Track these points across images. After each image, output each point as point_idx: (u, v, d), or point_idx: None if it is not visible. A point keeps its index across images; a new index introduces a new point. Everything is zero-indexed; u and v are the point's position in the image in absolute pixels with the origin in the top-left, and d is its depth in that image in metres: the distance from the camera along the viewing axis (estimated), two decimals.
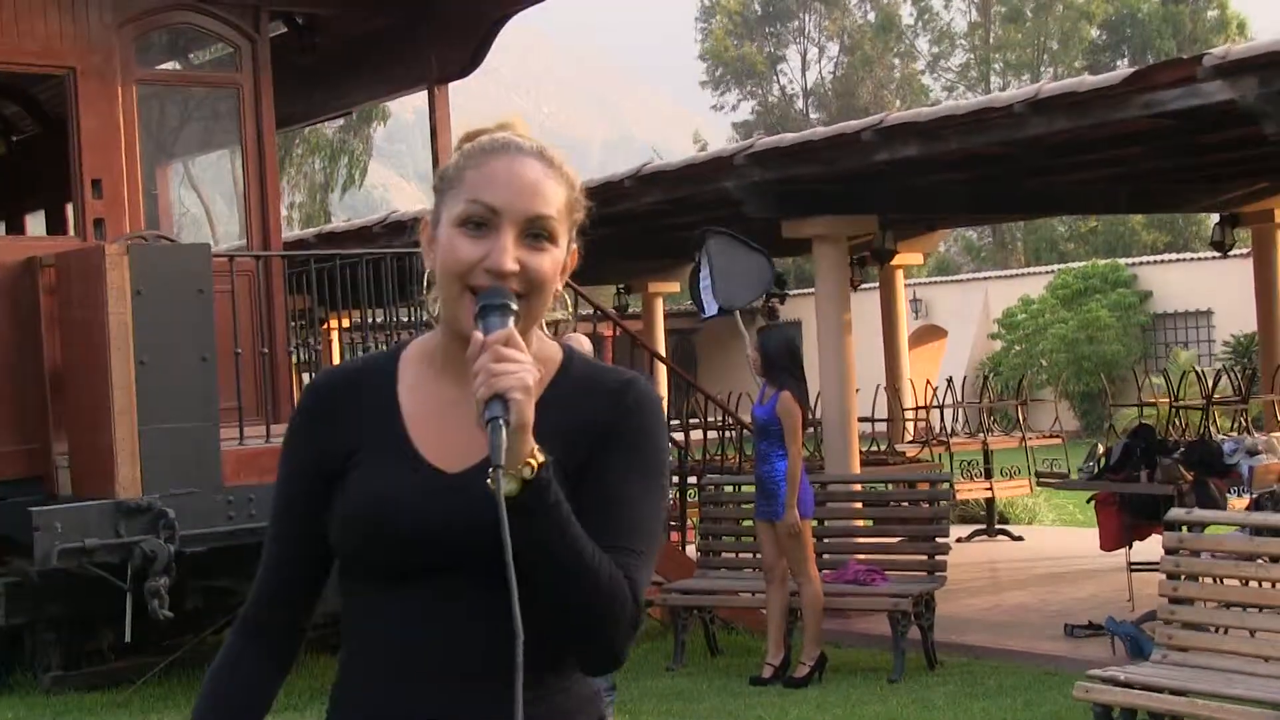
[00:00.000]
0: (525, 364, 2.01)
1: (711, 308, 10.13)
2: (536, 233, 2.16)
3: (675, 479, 12.55)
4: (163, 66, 11.58)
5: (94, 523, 8.96)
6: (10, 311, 9.81)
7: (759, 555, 10.01)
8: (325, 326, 17.22)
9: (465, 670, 2.16)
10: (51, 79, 10.72)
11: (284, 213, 48.67)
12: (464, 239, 2.14)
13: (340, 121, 46.09)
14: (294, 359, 13.58)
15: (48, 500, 9.52)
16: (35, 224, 15.08)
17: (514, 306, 2.09)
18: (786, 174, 11.32)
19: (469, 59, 11.35)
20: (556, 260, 2.19)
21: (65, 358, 9.62)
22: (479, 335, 2.04)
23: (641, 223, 13.88)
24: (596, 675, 2.28)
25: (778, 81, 59.44)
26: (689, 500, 12.79)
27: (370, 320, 11.03)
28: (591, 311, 12.22)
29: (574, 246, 2.27)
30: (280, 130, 12.77)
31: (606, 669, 2.21)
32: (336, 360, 16.88)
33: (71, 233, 11.22)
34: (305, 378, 17.14)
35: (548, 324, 2.29)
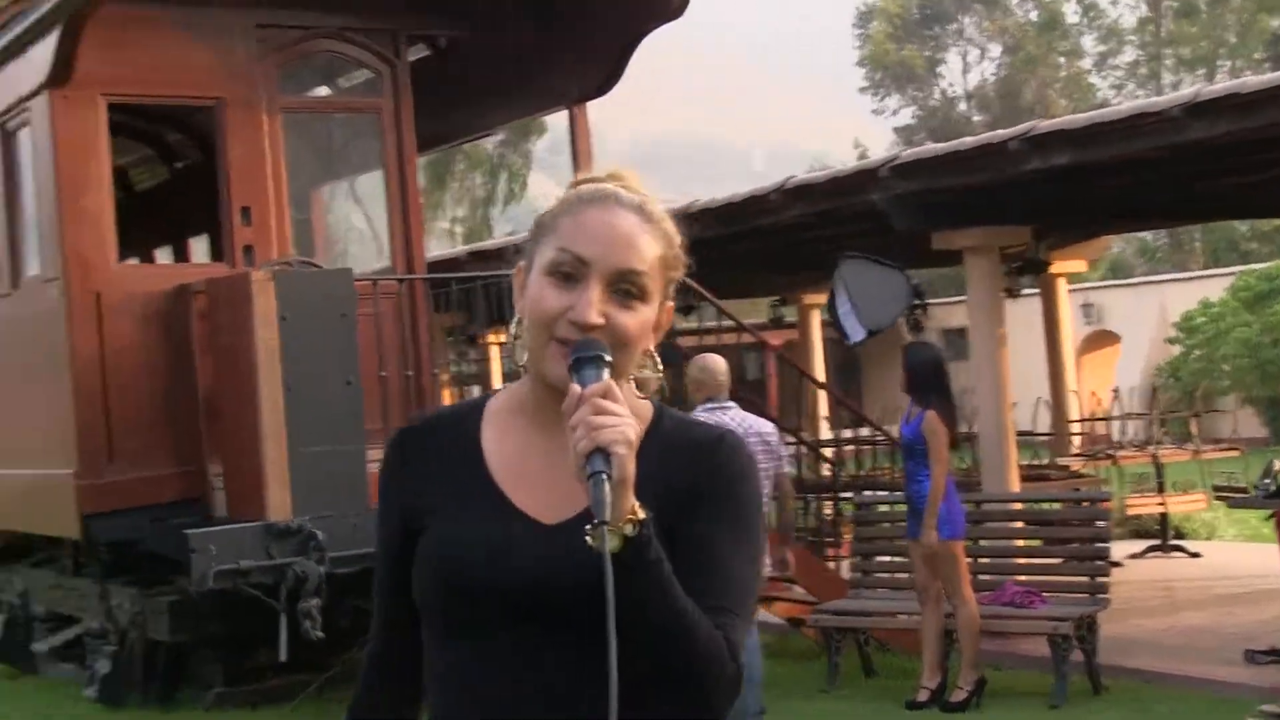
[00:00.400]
0: (626, 417, 1.97)
1: (857, 333, 9.98)
2: (626, 288, 2.10)
3: (830, 493, 12.37)
4: (307, 94, 11.70)
5: (247, 545, 9.08)
6: (165, 337, 9.99)
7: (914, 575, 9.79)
8: (482, 342, 17.39)
9: None
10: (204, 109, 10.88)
11: (446, 227, 49.52)
12: (552, 288, 2.10)
13: (500, 136, 46.70)
14: (449, 374, 13.77)
15: (204, 522, 9.67)
16: (200, 248, 15.40)
17: (608, 359, 2.04)
18: (933, 185, 11.10)
19: (607, 77, 11.33)
20: (645, 318, 2.13)
21: (217, 382, 9.77)
22: (576, 387, 1.99)
23: (787, 236, 13.73)
24: None
25: (938, 85, 58.79)
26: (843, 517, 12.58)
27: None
28: (721, 322, 12.07)
29: (668, 304, 2.20)
30: (426, 151, 12.87)
31: None
32: (498, 376, 17.03)
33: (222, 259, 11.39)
34: (472, 391, 17.28)
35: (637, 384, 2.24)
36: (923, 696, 9.42)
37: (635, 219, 2.13)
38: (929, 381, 9.26)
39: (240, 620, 9.70)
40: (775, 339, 25.95)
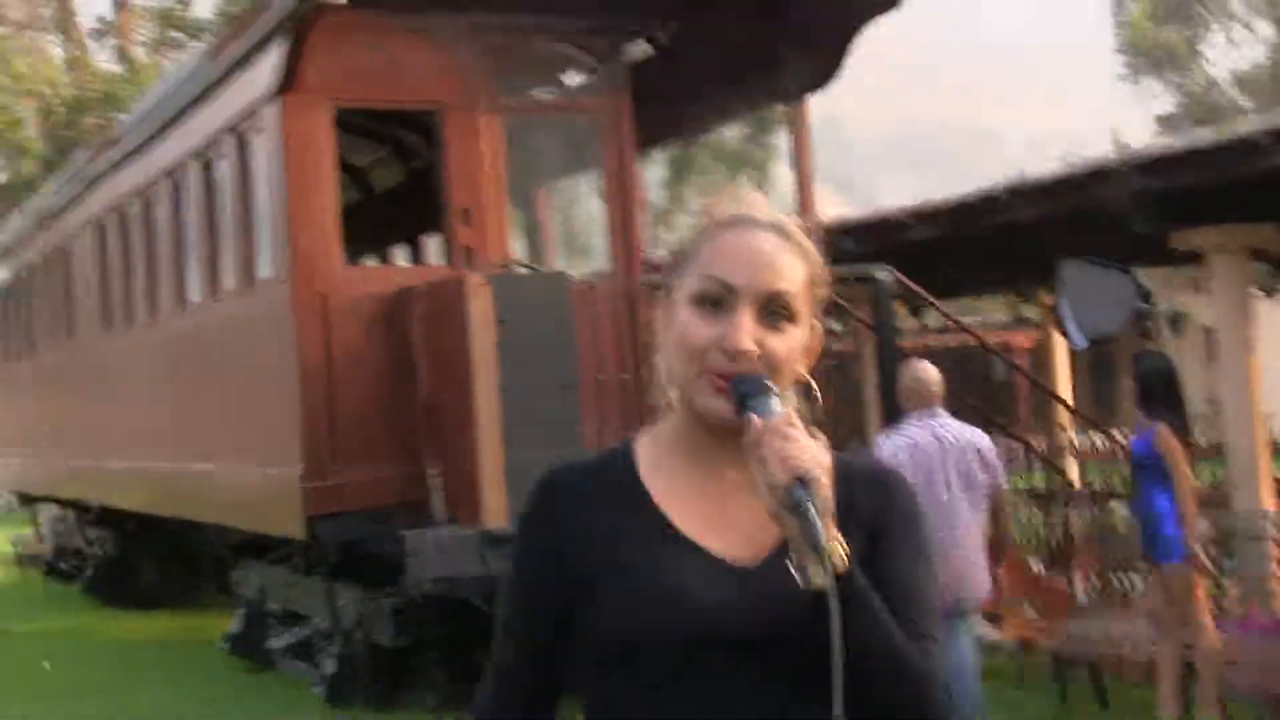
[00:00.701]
0: (814, 444, 1.94)
1: (1080, 341, 9.59)
2: (775, 310, 2.05)
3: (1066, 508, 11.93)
4: (526, 96, 11.74)
5: (462, 550, 9.13)
6: (388, 340, 10.11)
7: None
8: None
9: None
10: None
11: (689, 221, 49.68)
12: (698, 318, 2.05)
13: (743, 130, 46.64)
14: None
15: (425, 524, 9.77)
16: (434, 247, 15.67)
17: (775, 388, 2.00)
18: (1173, 183, 10.61)
19: (826, 71, 11.11)
20: (797, 341, 2.08)
21: (436, 385, 9.85)
22: (757, 419, 1.95)
23: (1022, 235, 13.32)
24: None
25: (1203, 68, 56.63)
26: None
27: None
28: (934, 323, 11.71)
29: (816, 326, 2.13)
30: (650, 150, 12.81)
31: None
32: None
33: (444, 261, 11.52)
34: None
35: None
36: None
37: (776, 239, 2.09)
38: (1160, 394, 8.82)
39: (463, 624, 9.76)
40: (1023, 339, 25.33)
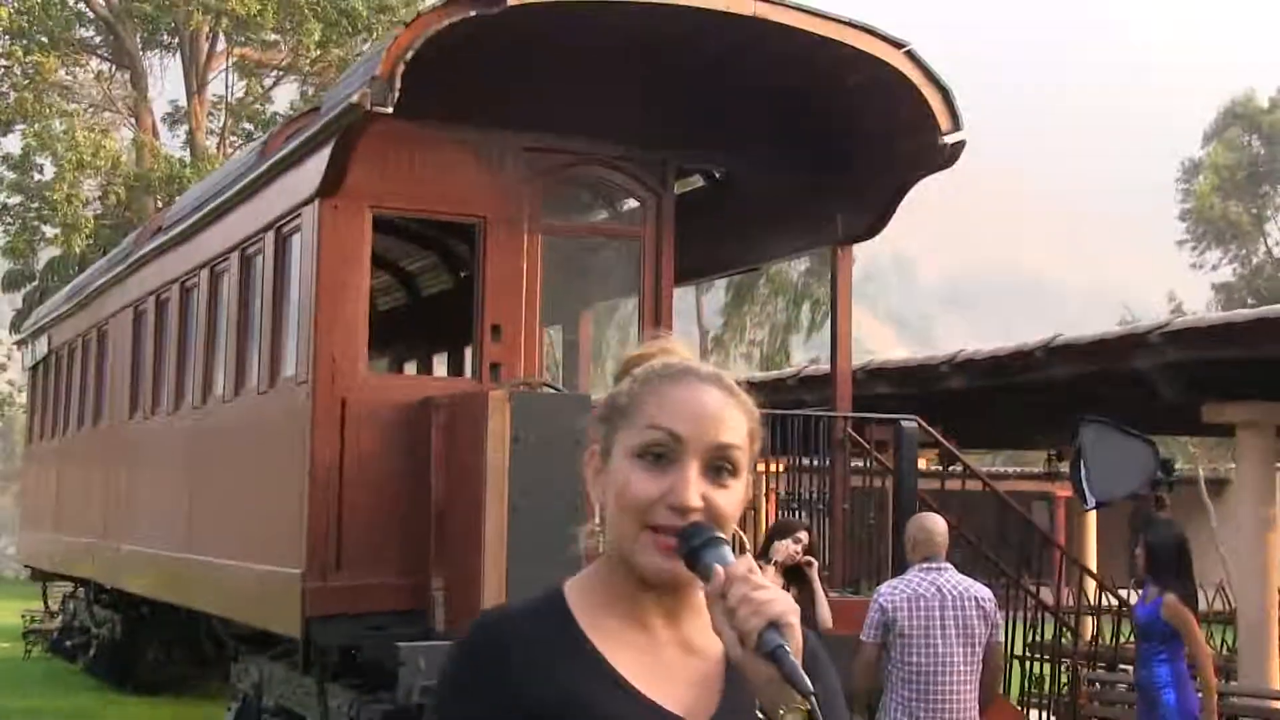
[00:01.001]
0: (779, 590, 1.89)
1: (1089, 500, 9.55)
2: (720, 465, 2.02)
3: (1067, 663, 11.76)
4: (570, 217, 11.80)
5: None
6: (406, 448, 10.10)
7: None
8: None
9: None
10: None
11: (744, 350, 49.81)
12: (642, 472, 2.00)
13: (805, 265, 46.93)
14: None
15: (425, 634, 9.68)
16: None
17: (724, 538, 1.96)
18: (1205, 356, 10.55)
19: (874, 222, 11.14)
20: (739, 496, 2.04)
21: (448, 497, 9.81)
22: (720, 569, 1.89)
23: (1056, 393, 13.25)
24: None
25: (1264, 243, 56.60)
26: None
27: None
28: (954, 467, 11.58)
29: (749, 479, 2.10)
30: (692, 281, 12.81)
31: None
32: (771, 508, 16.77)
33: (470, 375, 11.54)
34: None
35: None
36: None
37: (720, 393, 2.05)
38: (1170, 563, 8.80)
39: None
40: (1062, 489, 25.17)
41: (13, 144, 30.86)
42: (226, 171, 13.45)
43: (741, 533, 2.05)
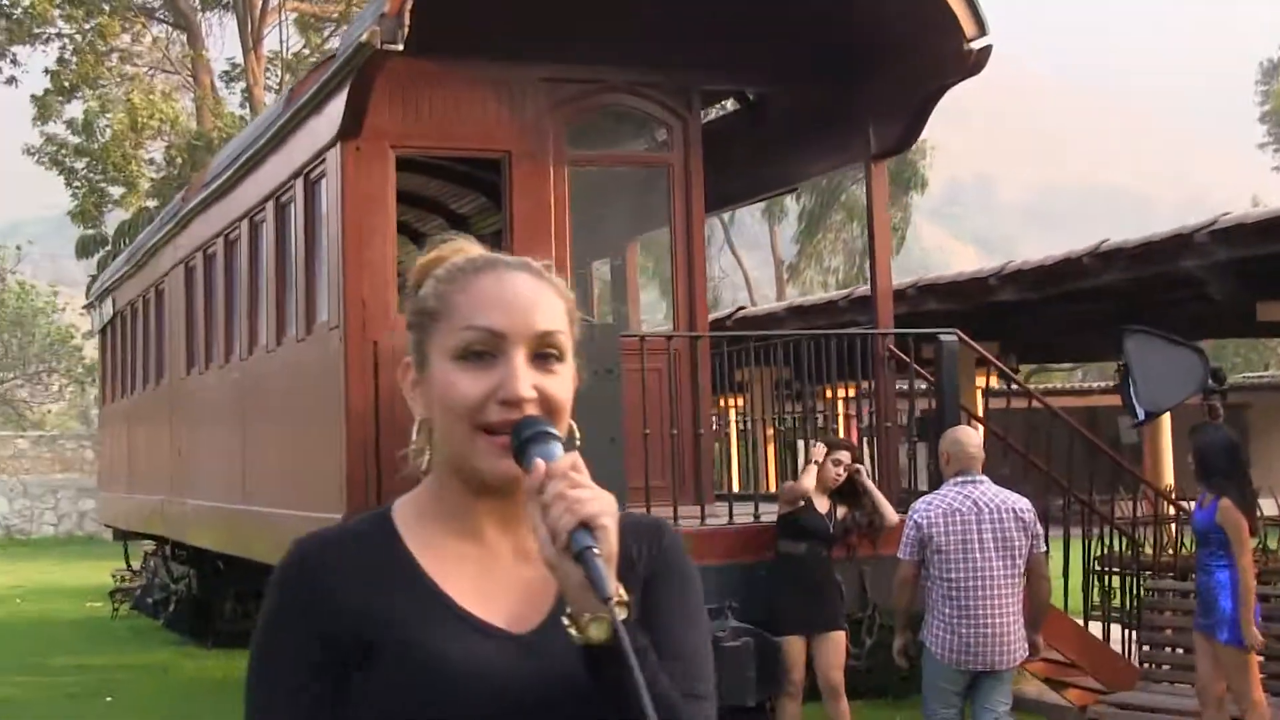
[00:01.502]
0: (602, 490, 1.78)
1: (1138, 413, 9.32)
2: (546, 352, 1.92)
3: (1117, 571, 11.55)
4: (597, 147, 11.66)
5: None
6: None
7: None
8: (830, 395, 17.09)
9: None
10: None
11: (821, 278, 49.50)
12: (466, 374, 1.90)
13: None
14: (773, 429, 13.52)
15: None
16: None
17: (556, 434, 1.85)
18: (1254, 253, 10.27)
19: (905, 133, 10.93)
20: (569, 381, 1.95)
21: None
22: (541, 463, 1.78)
23: (1108, 300, 12.98)
24: None
25: None
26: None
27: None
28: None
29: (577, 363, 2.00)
30: (725, 209, 12.64)
31: None
32: (842, 430, 16.61)
33: None
34: (799, 447, 17.04)
35: None
36: None
37: (531, 278, 1.96)
38: (1221, 467, 8.61)
39: None
40: None
41: (76, 110, 31.18)
42: (259, 122, 13.44)
43: (575, 425, 1.92)
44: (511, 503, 1.91)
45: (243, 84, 31.93)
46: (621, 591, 1.75)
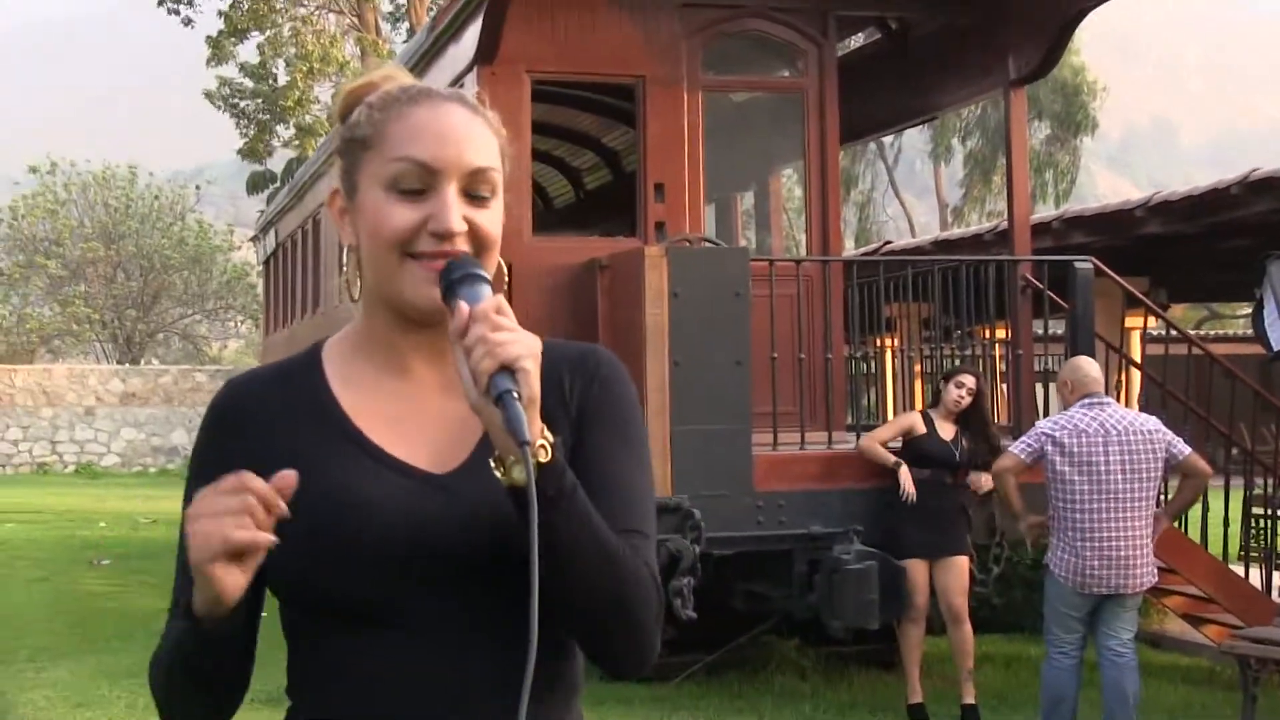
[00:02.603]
0: (525, 332, 1.76)
1: (1276, 346, 9.07)
2: (478, 186, 1.92)
3: (1265, 510, 11.31)
4: (732, 73, 11.62)
5: None
6: (572, 310, 10.19)
7: None
8: (984, 334, 16.89)
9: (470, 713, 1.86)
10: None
11: (986, 223, 48.79)
12: (398, 204, 1.89)
13: (1047, 132, 45.71)
14: (919, 367, 13.47)
15: None
16: None
17: (486, 275, 1.85)
18: None
19: (1045, 59, 10.74)
20: (500, 215, 1.96)
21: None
22: (465, 305, 1.77)
23: (1257, 234, 12.64)
24: (629, 676, 2.03)
25: None
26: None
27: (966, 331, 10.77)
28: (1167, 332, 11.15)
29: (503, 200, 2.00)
30: (865, 139, 12.54)
31: (641, 667, 1.91)
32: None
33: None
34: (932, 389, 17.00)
35: None
36: None
37: (465, 111, 1.94)
38: None
39: None
40: None
41: (248, 52, 31.85)
42: (404, 52, 13.66)
43: (504, 264, 1.90)
44: (439, 335, 1.89)
45: (406, 24, 32.37)
46: (547, 434, 1.75)
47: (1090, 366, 8.14)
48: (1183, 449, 7.93)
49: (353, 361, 2.00)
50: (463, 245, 1.88)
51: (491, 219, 1.93)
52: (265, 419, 1.96)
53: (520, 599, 1.70)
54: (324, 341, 2.05)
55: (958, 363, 10.28)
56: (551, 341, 1.97)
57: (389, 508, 1.84)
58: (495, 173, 1.93)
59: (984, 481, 9.23)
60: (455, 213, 1.88)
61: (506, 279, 1.98)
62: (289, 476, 1.74)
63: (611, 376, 2.02)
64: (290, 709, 1.95)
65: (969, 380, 9.44)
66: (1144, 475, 7.83)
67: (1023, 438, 8.06)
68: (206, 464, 1.93)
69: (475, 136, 1.93)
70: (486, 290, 1.81)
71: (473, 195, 1.91)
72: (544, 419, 1.77)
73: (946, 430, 9.41)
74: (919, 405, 11.09)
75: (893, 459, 9.34)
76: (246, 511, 1.70)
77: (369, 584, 1.84)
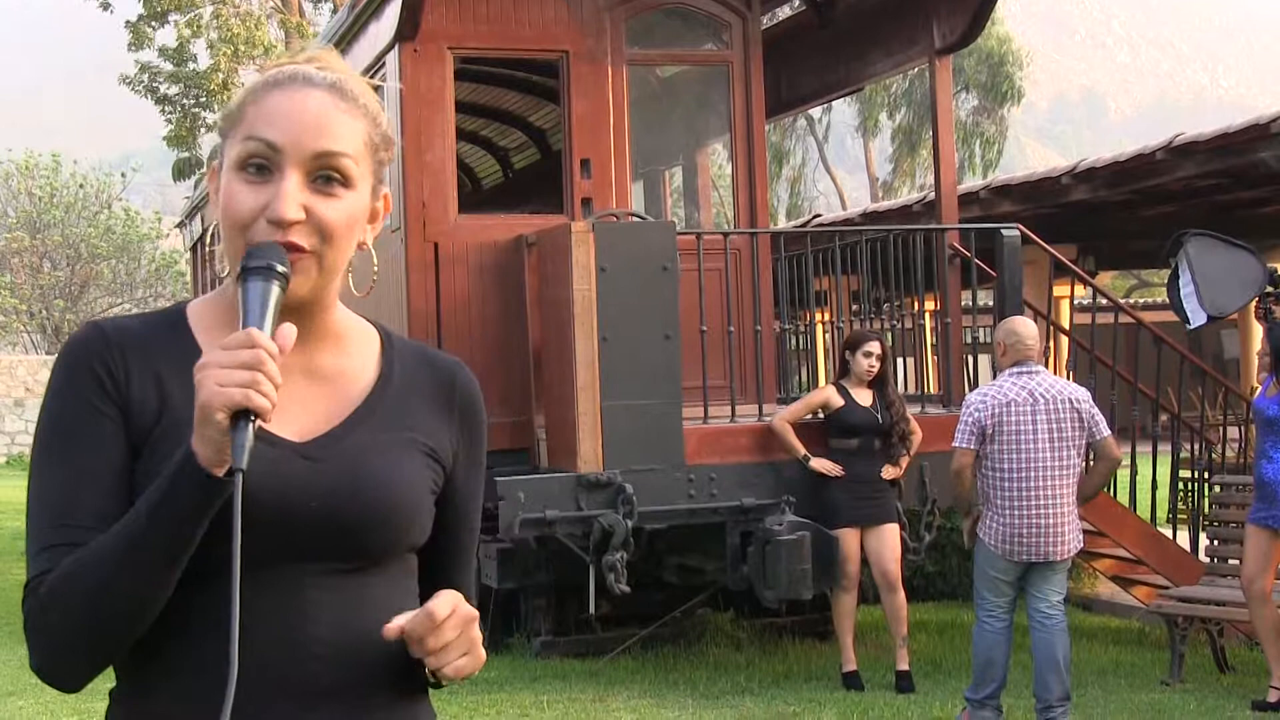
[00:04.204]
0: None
1: (1198, 316, 9.18)
2: (326, 174, 1.89)
3: (1191, 475, 11.46)
4: (656, 48, 11.59)
5: (556, 495, 9.14)
6: (500, 289, 10.17)
7: None
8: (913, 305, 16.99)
9: (312, 683, 1.90)
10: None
11: (917, 195, 49.08)
12: (243, 185, 1.89)
13: (974, 103, 45.97)
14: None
15: (530, 473, 9.79)
16: None
17: (281, 270, 1.83)
18: None
19: (969, 27, 10.77)
20: (354, 207, 1.93)
21: (543, 334, 9.87)
22: (255, 332, 1.76)
23: (1182, 200, 12.76)
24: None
25: None
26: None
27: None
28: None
29: (384, 191, 2.01)
30: (791, 111, 12.52)
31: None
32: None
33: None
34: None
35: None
36: (1272, 697, 8.63)
37: (330, 98, 1.92)
38: None
39: (567, 570, 9.76)
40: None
41: (167, 36, 31.42)
42: (325, 31, 13.55)
43: (374, 252, 1.85)
44: (299, 316, 1.89)
45: (329, 4, 32.10)
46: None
47: (1024, 328, 8.13)
48: (1103, 430, 7.98)
49: (219, 330, 1.96)
50: (301, 235, 1.87)
51: (339, 209, 1.90)
52: (141, 358, 1.94)
53: (373, 563, 1.94)
54: (186, 304, 2.04)
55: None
56: (417, 343, 2.14)
57: (255, 471, 1.79)
58: (347, 160, 1.90)
59: (893, 472, 9.36)
60: (289, 201, 1.85)
61: (376, 269, 2.01)
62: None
63: (478, 392, 2.15)
64: (136, 660, 1.91)
65: (875, 347, 9.48)
66: (1070, 443, 7.88)
67: (959, 426, 8.06)
68: (99, 367, 1.91)
69: (330, 122, 1.90)
70: (270, 289, 1.80)
71: (322, 183, 1.89)
72: (426, 405, 2.03)
73: (864, 397, 9.45)
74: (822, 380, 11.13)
75: (802, 452, 9.37)
76: (261, 371, 1.73)
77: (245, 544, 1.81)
